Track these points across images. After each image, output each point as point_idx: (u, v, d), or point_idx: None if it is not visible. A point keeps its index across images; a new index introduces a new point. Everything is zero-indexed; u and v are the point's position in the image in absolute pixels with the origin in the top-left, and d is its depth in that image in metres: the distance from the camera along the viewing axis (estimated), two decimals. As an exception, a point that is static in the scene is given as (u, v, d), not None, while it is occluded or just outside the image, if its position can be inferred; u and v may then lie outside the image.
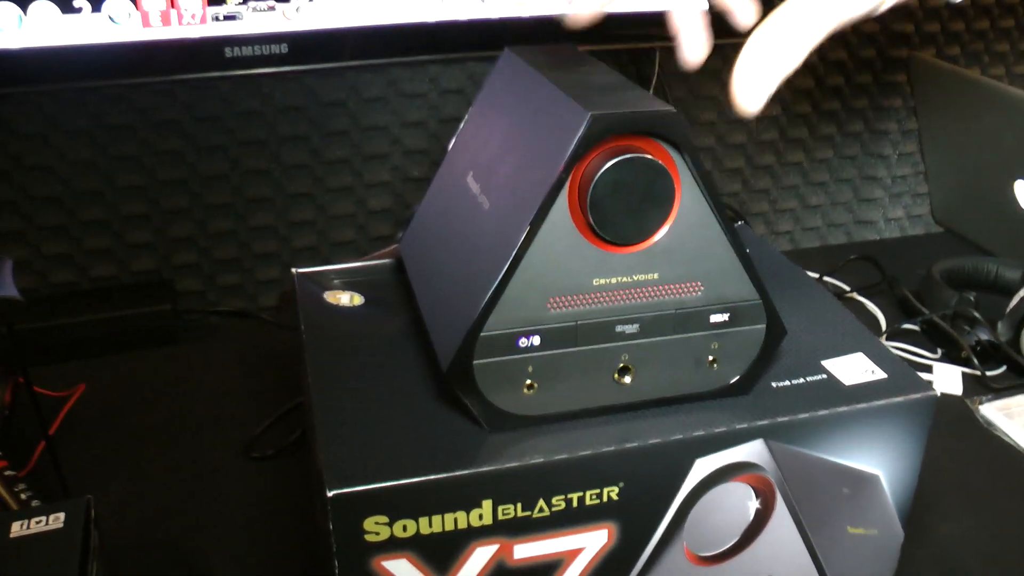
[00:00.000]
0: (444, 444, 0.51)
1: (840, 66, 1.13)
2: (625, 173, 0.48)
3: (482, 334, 0.50)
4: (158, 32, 0.92)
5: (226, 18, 0.93)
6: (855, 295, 1.04)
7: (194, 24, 0.92)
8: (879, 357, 0.59)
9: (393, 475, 0.49)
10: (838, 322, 0.63)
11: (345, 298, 0.64)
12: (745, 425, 0.53)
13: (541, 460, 0.50)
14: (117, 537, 0.75)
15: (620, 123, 0.48)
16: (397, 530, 0.49)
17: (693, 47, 0.60)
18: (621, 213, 0.49)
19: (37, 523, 0.61)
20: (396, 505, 0.49)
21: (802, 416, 0.54)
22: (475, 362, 0.51)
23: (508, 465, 0.50)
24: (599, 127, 0.47)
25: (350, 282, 0.67)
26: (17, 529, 0.61)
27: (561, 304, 0.51)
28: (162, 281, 1.04)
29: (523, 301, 0.50)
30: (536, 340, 0.51)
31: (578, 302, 0.51)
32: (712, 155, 1.13)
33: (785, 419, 0.54)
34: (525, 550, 0.52)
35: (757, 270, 0.53)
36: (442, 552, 0.51)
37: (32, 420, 0.86)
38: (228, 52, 0.94)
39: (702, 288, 0.52)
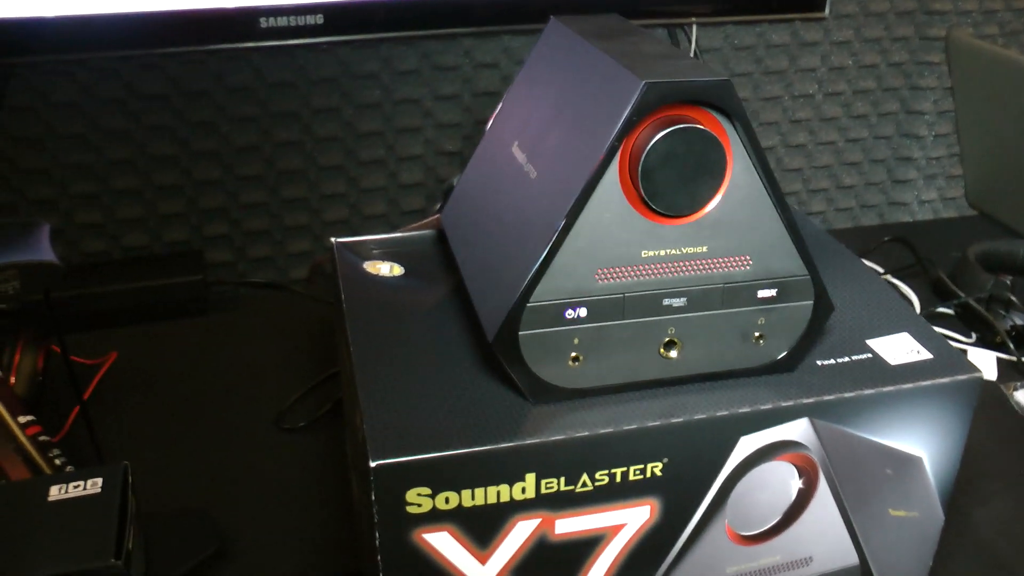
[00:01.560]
0: (488, 416, 0.51)
1: (876, 43, 1.11)
2: (678, 143, 0.47)
3: (529, 304, 0.50)
4: (193, 1, 0.91)
5: (262, -13, 0.93)
6: (889, 277, 1.03)
7: (230, -7, 0.91)
8: (924, 337, 0.58)
9: (436, 447, 0.48)
10: (882, 301, 0.62)
11: (385, 268, 0.64)
12: (791, 403, 0.52)
13: (586, 434, 0.50)
14: (148, 505, 0.75)
15: (674, 92, 0.47)
16: (440, 502, 0.49)
17: None
18: (672, 184, 0.48)
19: (75, 487, 0.62)
20: (439, 477, 0.49)
21: (848, 395, 0.53)
22: (521, 333, 0.50)
23: (553, 438, 0.49)
24: (653, 95, 0.47)
25: (390, 252, 0.66)
26: (56, 493, 0.61)
27: (609, 276, 0.50)
28: (193, 252, 1.04)
29: (571, 272, 0.49)
30: (583, 312, 0.51)
31: (626, 274, 0.50)
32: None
33: (831, 398, 0.53)
34: (567, 525, 0.52)
35: (806, 245, 0.52)
36: (484, 525, 0.50)
37: (64, 387, 0.87)
38: (263, 22, 0.94)
39: (751, 262, 0.52)
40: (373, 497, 0.48)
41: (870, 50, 1.11)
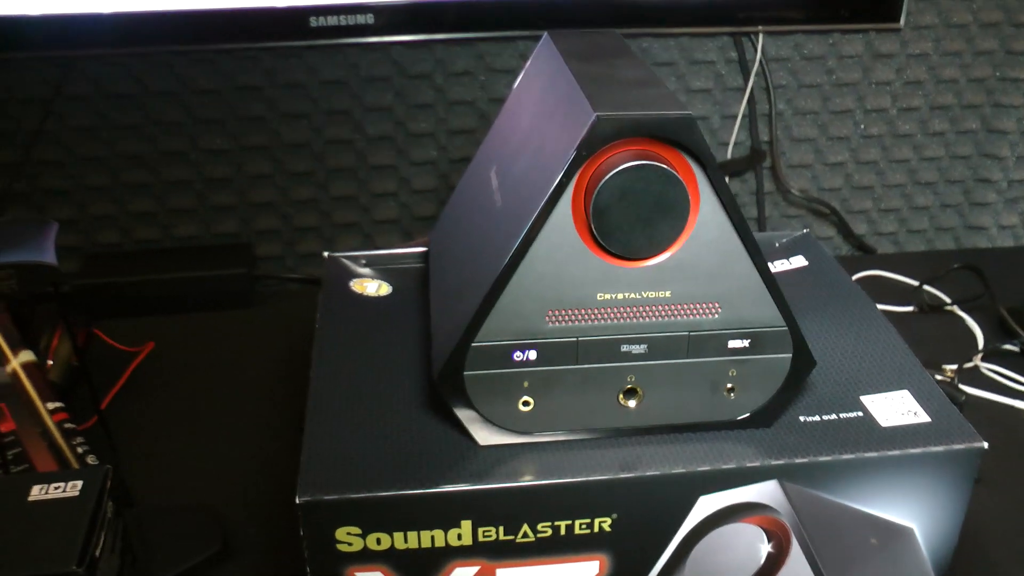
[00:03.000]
0: (430, 457, 0.49)
1: (957, 56, 1.03)
2: (633, 181, 0.44)
3: (474, 344, 0.47)
4: (244, 0, 0.92)
5: (314, -12, 0.93)
6: (955, 308, 0.96)
7: (281, -8, 0.92)
8: (926, 397, 0.53)
9: (368, 487, 0.47)
10: (890, 353, 0.57)
11: (372, 287, 0.62)
12: (757, 464, 0.48)
13: (526, 484, 0.47)
14: (158, 495, 0.75)
15: (628, 126, 0.44)
16: (371, 542, 0.47)
17: None
18: (629, 224, 0.45)
19: (56, 488, 0.62)
20: (369, 517, 0.47)
21: (823, 459, 0.49)
22: (466, 373, 0.48)
23: (490, 486, 0.47)
24: (606, 129, 0.44)
25: (382, 269, 0.65)
26: (36, 492, 0.62)
27: (561, 318, 0.47)
28: (242, 244, 1.05)
29: (519, 312, 0.47)
30: (532, 354, 0.48)
31: (580, 317, 0.47)
32: (814, 146, 1.06)
33: (803, 461, 0.49)
34: (509, 574, 0.49)
35: (783, 293, 0.48)
36: (419, 569, 0.48)
37: (100, 373, 0.89)
38: (313, 21, 0.94)
39: (720, 310, 0.48)
40: (302, 532, 0.47)
41: (950, 64, 1.03)
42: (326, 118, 1.01)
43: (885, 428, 0.51)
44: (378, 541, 0.47)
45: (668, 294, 0.47)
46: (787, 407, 0.51)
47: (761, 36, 1.00)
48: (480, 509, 0.47)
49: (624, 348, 0.48)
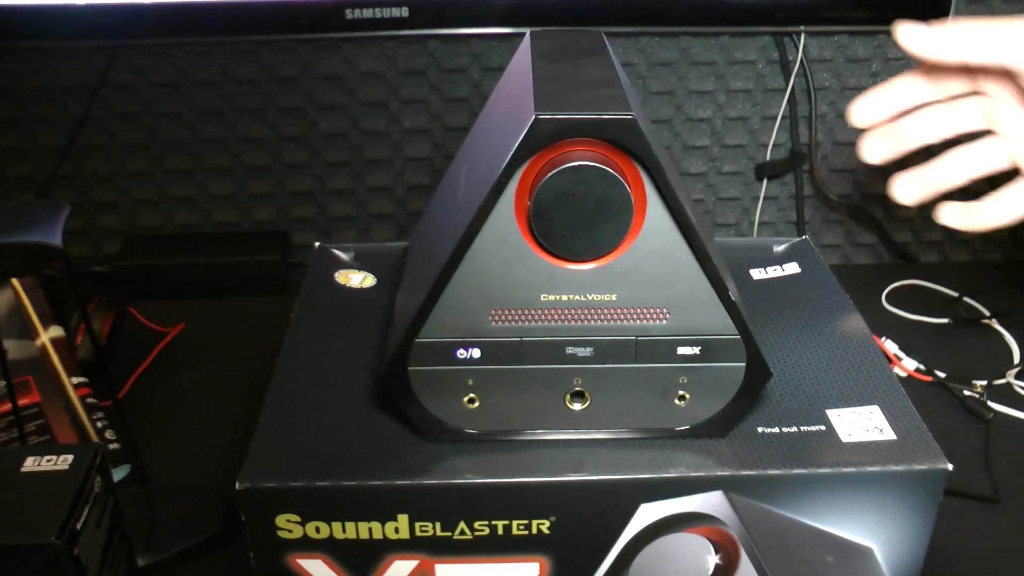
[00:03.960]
0: (374, 450, 0.49)
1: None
2: (573, 182, 0.44)
3: (417, 340, 0.47)
4: (282, -9, 0.94)
5: (349, -21, 0.94)
6: (993, 322, 0.92)
7: (318, -15, 0.93)
8: (897, 414, 0.52)
9: (306, 476, 0.47)
10: (867, 367, 0.55)
11: (356, 279, 0.63)
12: (701, 474, 0.47)
13: (460, 482, 0.47)
14: (172, 477, 0.77)
15: (568, 127, 0.43)
16: (310, 531, 0.48)
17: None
18: (570, 226, 0.45)
19: (48, 461, 0.64)
20: (308, 506, 0.47)
21: (772, 473, 0.48)
22: (411, 368, 0.48)
23: (425, 482, 0.47)
24: (545, 130, 0.43)
25: (372, 261, 0.65)
26: (29, 464, 0.64)
27: (504, 318, 0.47)
28: (278, 232, 1.07)
29: (461, 310, 0.47)
30: (476, 352, 0.48)
31: (523, 317, 0.47)
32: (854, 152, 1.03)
33: (751, 473, 0.48)
34: (448, 571, 0.49)
35: (739, 300, 0.47)
36: (358, 559, 0.49)
37: (132, 350, 0.91)
38: (349, 14, 0.95)
39: (668, 315, 0.47)
40: (243, 518, 0.48)
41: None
42: (363, 109, 1.02)
43: (845, 444, 0.50)
44: (317, 530, 0.48)
45: (614, 297, 0.47)
46: (742, 417, 0.50)
47: (803, 36, 0.98)
48: (416, 505, 0.47)
49: (569, 350, 0.48)
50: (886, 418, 0.51)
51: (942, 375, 0.85)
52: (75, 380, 0.83)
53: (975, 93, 0.55)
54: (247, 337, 0.94)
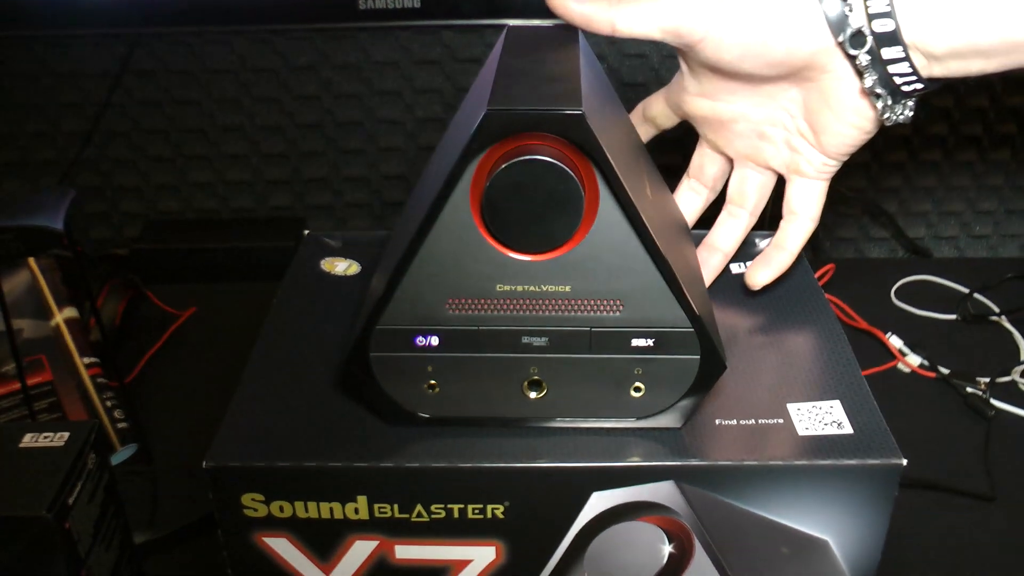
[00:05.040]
0: (339, 433, 0.51)
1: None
2: (524, 176, 0.45)
3: (378, 327, 0.49)
4: (295, -19, 0.95)
5: (362, -30, 0.95)
6: (1002, 319, 0.91)
7: (332, -25, 0.95)
8: (857, 410, 0.52)
9: (271, 457, 0.49)
10: (833, 362, 0.55)
11: (342, 266, 0.65)
12: (651, 463, 0.48)
13: (416, 465, 0.48)
14: (174, 457, 0.79)
15: (517, 121, 0.44)
16: (274, 509, 0.50)
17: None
18: (522, 218, 0.46)
19: (45, 438, 0.67)
20: (272, 486, 0.49)
21: (722, 463, 0.48)
22: (372, 354, 0.49)
23: (381, 464, 0.48)
24: (496, 123, 0.44)
25: (357, 249, 0.67)
26: (27, 440, 0.67)
27: (461, 307, 0.48)
28: (294, 219, 1.09)
29: (419, 298, 0.48)
30: (435, 340, 0.49)
31: (479, 307, 0.48)
32: (871, 145, 1.02)
33: (701, 463, 0.48)
34: (407, 552, 0.51)
35: (692, 293, 0.48)
36: (321, 538, 0.50)
37: (146, 331, 0.94)
38: (361, 4, 0.96)
39: (622, 307, 0.48)
40: (210, 495, 0.50)
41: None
42: (378, 98, 1.04)
43: (801, 437, 0.50)
44: (281, 509, 0.49)
45: (568, 289, 0.48)
46: (695, 409, 0.50)
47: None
48: (374, 486, 0.49)
49: (525, 339, 0.49)
50: (846, 413, 0.51)
51: (946, 371, 0.85)
52: (87, 360, 0.85)
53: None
54: (257, 322, 0.96)
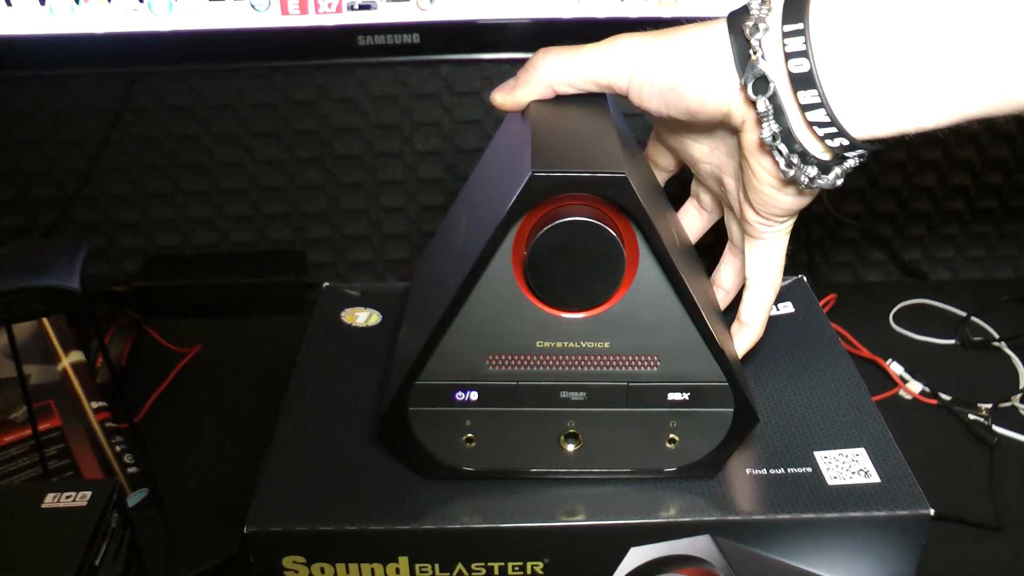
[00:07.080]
0: (378, 492, 0.51)
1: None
2: (567, 237, 0.45)
3: (417, 382, 0.49)
4: (296, 20, 0.95)
5: (361, 7, 0.95)
6: (1002, 344, 0.93)
7: (330, 12, 0.94)
8: (883, 457, 0.53)
9: (312, 520, 0.49)
10: (855, 409, 0.56)
11: (363, 317, 0.65)
12: (688, 519, 0.49)
13: (458, 526, 0.49)
14: (186, 500, 0.79)
15: (563, 184, 0.45)
16: (315, 571, 0.50)
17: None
18: (563, 278, 0.46)
19: (67, 498, 0.66)
20: (313, 548, 0.49)
21: (757, 518, 0.49)
22: (411, 409, 0.50)
23: (424, 526, 0.49)
24: (540, 186, 0.45)
25: (376, 299, 0.67)
26: (49, 500, 0.66)
27: (501, 363, 0.49)
28: (294, 252, 1.09)
29: (460, 355, 0.49)
30: (474, 395, 0.49)
31: (519, 363, 0.49)
32: (866, 171, 1.04)
33: (737, 518, 0.49)
34: (447, 608, 0.51)
35: (727, 350, 0.49)
36: (361, 597, 0.51)
37: (150, 370, 0.94)
38: (361, 40, 0.96)
39: (659, 363, 0.49)
40: (250, 560, 0.50)
41: None
42: (376, 132, 1.04)
43: (831, 487, 0.51)
44: (322, 570, 0.50)
45: (607, 345, 0.48)
46: (728, 459, 0.51)
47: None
48: (416, 547, 0.49)
49: (563, 394, 0.49)
50: (872, 461, 0.52)
51: (947, 398, 0.86)
52: (95, 404, 0.85)
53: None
54: (263, 358, 0.96)
